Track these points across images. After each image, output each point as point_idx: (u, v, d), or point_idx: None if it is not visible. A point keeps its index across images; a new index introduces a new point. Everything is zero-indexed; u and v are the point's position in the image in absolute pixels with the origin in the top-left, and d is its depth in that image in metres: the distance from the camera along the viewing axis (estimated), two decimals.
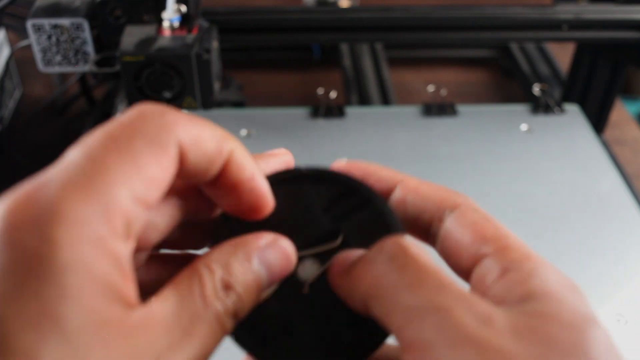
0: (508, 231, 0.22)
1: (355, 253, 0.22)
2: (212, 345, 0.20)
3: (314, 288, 0.23)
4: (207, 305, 0.19)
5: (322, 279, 0.23)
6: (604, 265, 0.51)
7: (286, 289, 0.23)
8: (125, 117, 0.19)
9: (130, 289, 0.18)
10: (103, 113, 0.75)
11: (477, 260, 0.21)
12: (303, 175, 0.25)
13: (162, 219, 0.23)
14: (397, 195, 0.24)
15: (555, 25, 0.67)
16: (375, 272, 0.20)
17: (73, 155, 0.19)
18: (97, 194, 0.18)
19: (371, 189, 0.24)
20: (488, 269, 0.21)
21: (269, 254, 0.21)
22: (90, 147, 0.19)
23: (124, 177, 0.18)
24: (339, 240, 0.23)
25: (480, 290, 0.21)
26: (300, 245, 0.23)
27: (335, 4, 0.89)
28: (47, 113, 0.81)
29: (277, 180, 0.24)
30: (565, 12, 0.67)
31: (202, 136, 0.20)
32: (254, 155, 0.23)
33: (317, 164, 0.25)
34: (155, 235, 0.22)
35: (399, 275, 0.19)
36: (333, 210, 0.24)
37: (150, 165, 0.19)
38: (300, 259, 0.23)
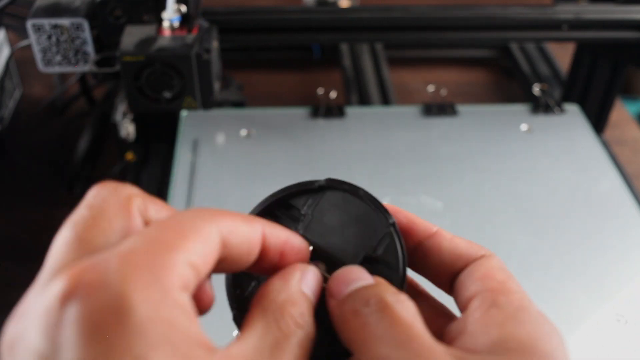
0: (518, 284, 0.25)
1: (353, 274, 0.24)
2: None
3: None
4: (289, 333, 0.22)
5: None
6: (604, 265, 0.51)
7: None
8: (172, 215, 0.22)
9: (204, 335, 0.20)
10: (103, 113, 0.75)
11: (476, 294, 0.24)
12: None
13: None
14: (434, 241, 0.26)
15: (555, 25, 0.67)
16: (359, 322, 0.23)
17: (131, 239, 0.21)
18: (158, 259, 0.20)
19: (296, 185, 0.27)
20: (479, 302, 0.23)
21: (309, 278, 0.25)
22: (146, 232, 0.21)
23: (179, 248, 0.20)
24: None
25: (463, 322, 0.23)
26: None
27: (335, 4, 0.89)
28: (47, 113, 0.81)
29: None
30: (565, 12, 0.67)
31: (237, 225, 0.23)
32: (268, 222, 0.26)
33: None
34: None
35: (377, 328, 0.22)
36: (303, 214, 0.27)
37: (198, 243, 0.21)
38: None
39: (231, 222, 0.23)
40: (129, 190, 0.23)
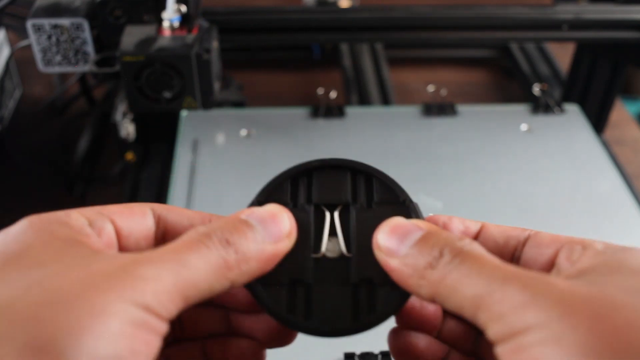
0: None
1: (402, 227, 0.24)
2: (207, 280, 0.22)
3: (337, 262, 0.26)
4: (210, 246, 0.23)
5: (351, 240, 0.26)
6: None
7: (307, 259, 0.26)
8: None
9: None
10: (103, 113, 0.75)
11: (557, 250, 0.24)
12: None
13: None
14: (486, 231, 0.27)
15: (555, 25, 0.67)
16: (445, 271, 0.22)
17: None
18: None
19: (370, 166, 0.27)
20: (566, 254, 0.23)
21: (258, 212, 0.25)
22: None
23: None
24: (327, 212, 0.27)
25: (565, 266, 0.23)
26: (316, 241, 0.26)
27: (335, 4, 0.89)
28: (47, 113, 0.81)
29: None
30: (565, 12, 0.67)
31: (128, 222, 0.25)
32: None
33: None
34: None
35: (475, 273, 0.22)
36: (299, 199, 0.27)
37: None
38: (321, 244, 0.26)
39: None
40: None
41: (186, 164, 0.60)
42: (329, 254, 0.26)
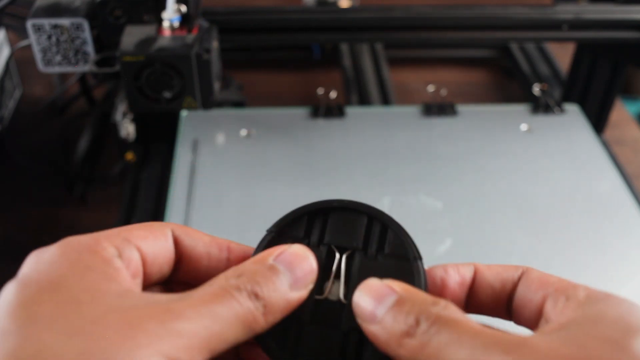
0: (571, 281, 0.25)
1: (376, 290, 0.24)
2: (234, 333, 0.23)
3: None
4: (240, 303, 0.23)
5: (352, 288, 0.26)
6: (604, 265, 0.51)
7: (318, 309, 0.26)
8: None
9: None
10: (103, 113, 0.75)
11: (543, 300, 0.24)
12: (272, 237, 0.28)
13: None
14: (480, 277, 0.27)
15: (555, 25, 0.67)
16: (423, 340, 0.22)
17: None
18: None
19: (388, 216, 0.27)
20: (552, 303, 0.24)
21: (284, 255, 0.25)
22: None
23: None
24: (337, 254, 0.27)
25: (550, 316, 0.24)
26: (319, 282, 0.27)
27: (335, 4, 0.89)
28: (47, 113, 0.81)
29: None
30: (565, 12, 0.67)
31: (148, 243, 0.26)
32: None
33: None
34: None
35: (452, 340, 0.22)
36: (312, 238, 0.27)
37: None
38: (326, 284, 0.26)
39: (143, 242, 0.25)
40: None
41: (186, 164, 0.60)
42: (331, 297, 0.26)
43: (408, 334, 0.22)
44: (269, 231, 0.27)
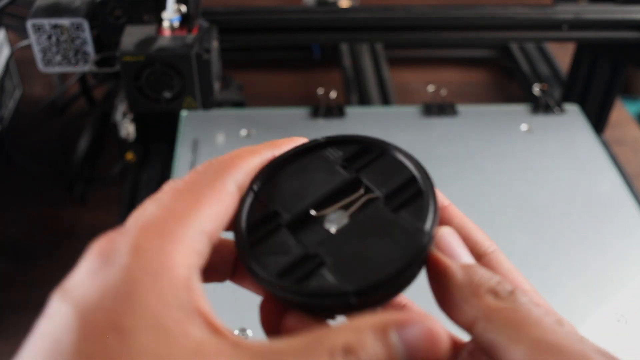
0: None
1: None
2: None
3: (344, 233, 0.25)
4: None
5: (351, 226, 0.24)
6: (604, 265, 0.51)
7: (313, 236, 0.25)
8: (188, 176, 0.23)
9: (211, 313, 0.20)
10: (103, 113, 0.75)
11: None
12: (318, 143, 0.28)
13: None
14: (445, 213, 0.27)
15: (555, 25, 0.67)
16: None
17: (148, 206, 0.22)
18: (170, 230, 0.21)
19: (384, 141, 0.27)
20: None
21: (411, 332, 0.20)
22: (162, 199, 0.22)
23: (190, 218, 0.21)
24: (361, 190, 0.26)
25: None
26: (327, 203, 0.25)
27: (335, 4, 0.89)
28: (47, 113, 0.81)
29: (298, 151, 0.28)
30: (565, 12, 0.67)
31: (250, 164, 0.24)
32: (272, 142, 0.27)
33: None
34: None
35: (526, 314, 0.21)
36: (352, 166, 0.27)
37: (213, 206, 0.22)
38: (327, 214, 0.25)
39: (243, 164, 0.24)
40: (227, 162, 0.24)
41: (186, 164, 0.60)
42: (326, 222, 0.25)
43: (494, 291, 0.22)
44: (321, 140, 0.28)
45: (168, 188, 0.22)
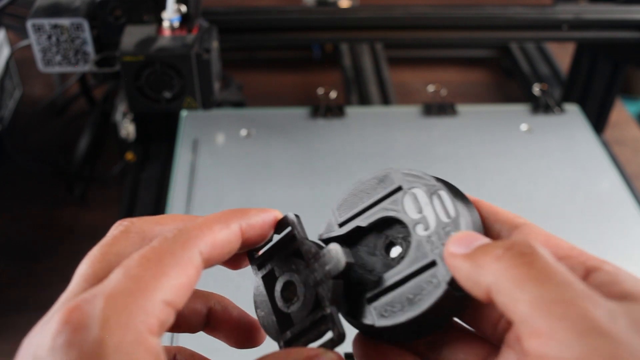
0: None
1: (477, 236, 0.24)
2: None
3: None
4: None
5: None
6: None
7: None
8: (156, 241, 0.24)
9: None
10: (103, 113, 0.75)
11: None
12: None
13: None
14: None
15: (555, 25, 0.67)
16: (504, 264, 0.21)
17: (115, 274, 0.22)
18: (136, 302, 0.21)
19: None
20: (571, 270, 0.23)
21: None
22: (128, 266, 0.22)
23: (156, 289, 0.22)
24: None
25: None
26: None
27: (335, 4, 0.89)
28: (47, 113, 0.81)
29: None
30: (565, 12, 0.67)
31: (215, 236, 0.25)
32: (242, 211, 0.27)
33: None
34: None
35: (527, 269, 0.21)
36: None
37: (177, 277, 0.23)
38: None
39: (210, 237, 0.24)
40: (194, 233, 0.24)
41: (186, 164, 0.60)
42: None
43: (496, 253, 0.22)
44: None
45: (136, 255, 0.23)
